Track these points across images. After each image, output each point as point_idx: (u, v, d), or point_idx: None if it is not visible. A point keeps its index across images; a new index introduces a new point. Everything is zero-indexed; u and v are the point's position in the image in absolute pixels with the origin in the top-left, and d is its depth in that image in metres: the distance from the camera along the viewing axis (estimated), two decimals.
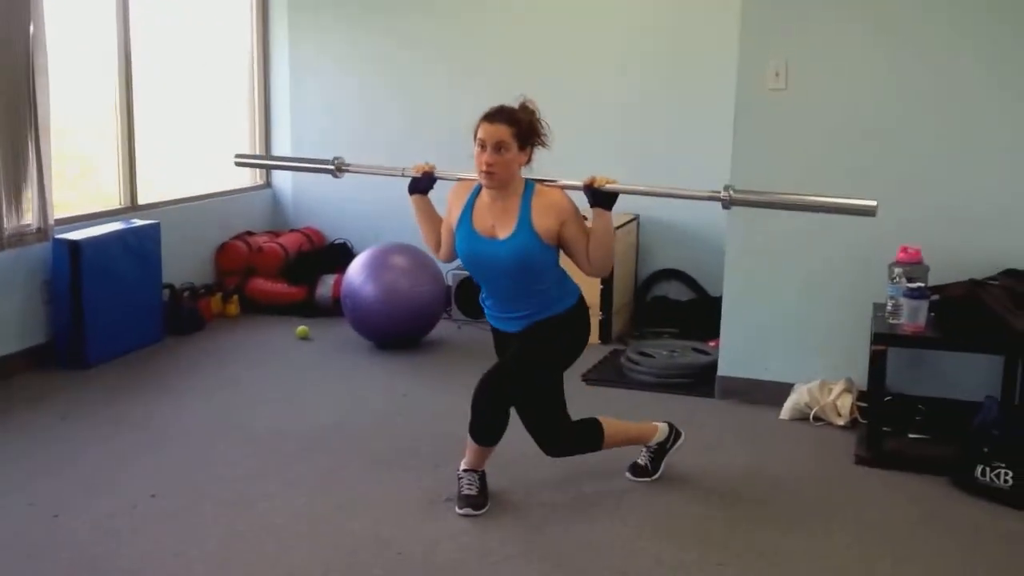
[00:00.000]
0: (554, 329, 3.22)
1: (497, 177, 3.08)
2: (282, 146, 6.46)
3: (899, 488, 3.54)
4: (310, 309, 5.83)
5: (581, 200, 3.14)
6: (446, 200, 3.30)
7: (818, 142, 4.19)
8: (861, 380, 4.01)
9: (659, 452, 3.60)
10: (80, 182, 5.36)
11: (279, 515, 3.24)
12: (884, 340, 3.71)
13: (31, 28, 4.44)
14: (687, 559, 2.98)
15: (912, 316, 3.72)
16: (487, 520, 3.23)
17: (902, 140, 4.09)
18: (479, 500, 3.30)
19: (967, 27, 3.96)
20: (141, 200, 5.47)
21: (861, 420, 3.99)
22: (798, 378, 4.28)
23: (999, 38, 3.92)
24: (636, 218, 5.73)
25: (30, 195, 4.57)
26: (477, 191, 3.20)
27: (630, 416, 4.23)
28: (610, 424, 3.47)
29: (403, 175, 3.38)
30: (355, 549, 3.01)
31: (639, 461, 3.58)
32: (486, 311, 3.35)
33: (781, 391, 4.27)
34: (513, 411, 3.29)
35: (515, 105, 3.14)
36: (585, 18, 5.77)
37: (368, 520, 3.22)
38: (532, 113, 3.17)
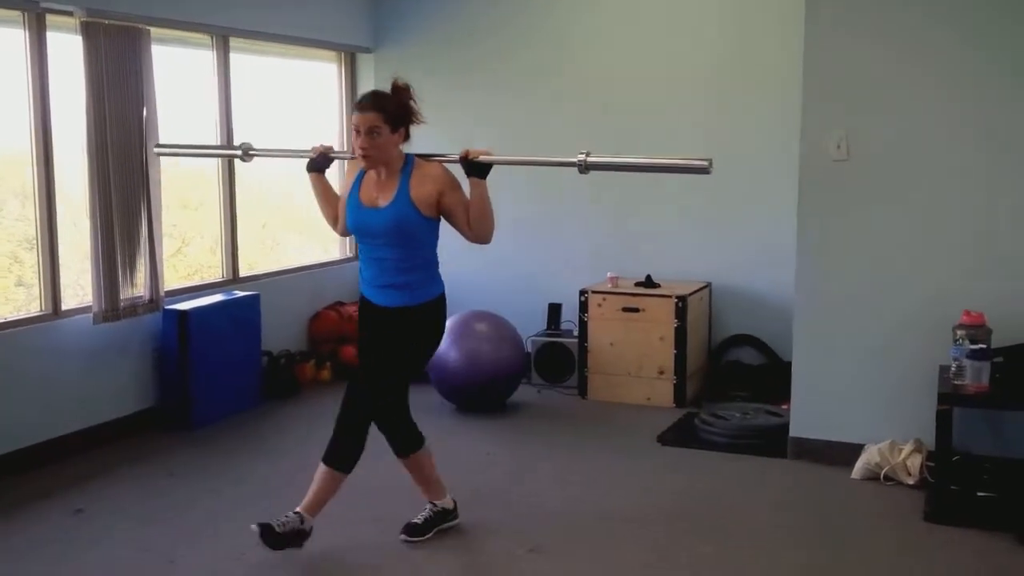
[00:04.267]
0: (420, 326, 3.49)
1: (372, 159, 3.36)
2: None
3: (966, 544, 3.62)
4: None
5: None
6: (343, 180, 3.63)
7: (881, 208, 4.35)
8: (930, 440, 4.07)
9: (438, 517, 3.73)
10: (175, 258, 5.74)
11: (370, 563, 3.50)
12: (948, 400, 3.82)
13: (144, 112, 4.90)
14: None
15: (975, 376, 3.83)
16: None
17: (964, 206, 4.22)
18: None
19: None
20: (242, 273, 5.89)
21: (930, 479, 4.06)
22: (869, 439, 4.36)
23: None
24: (709, 285, 5.91)
25: (143, 269, 4.99)
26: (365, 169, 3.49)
27: (704, 475, 4.39)
28: (428, 454, 3.69)
29: (303, 156, 3.72)
30: None
31: (416, 520, 3.70)
32: (361, 281, 3.57)
33: (852, 451, 4.37)
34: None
35: (389, 88, 3.46)
36: (660, 66, 5.99)
37: (454, 565, 3.45)
38: (404, 93, 3.46)
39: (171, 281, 5.35)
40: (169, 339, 5.10)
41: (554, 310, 6.11)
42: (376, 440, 3.64)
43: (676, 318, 5.49)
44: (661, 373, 5.55)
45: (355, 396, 3.52)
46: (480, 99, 6.45)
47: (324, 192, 3.68)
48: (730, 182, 5.83)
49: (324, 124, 6.73)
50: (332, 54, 6.65)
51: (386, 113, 3.34)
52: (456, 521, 3.79)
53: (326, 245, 6.81)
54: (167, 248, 5.24)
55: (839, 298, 4.46)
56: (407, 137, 3.47)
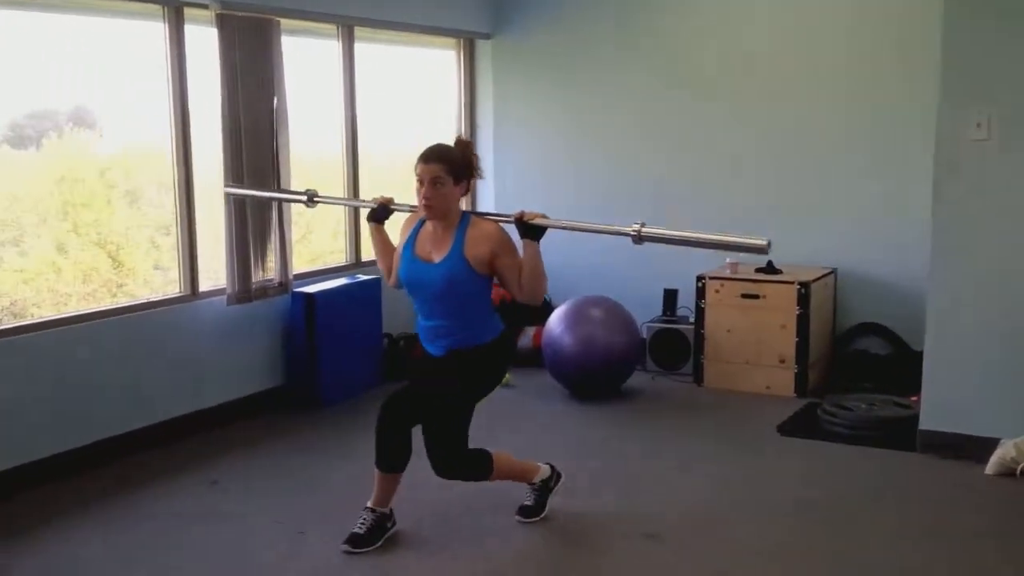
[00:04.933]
0: (472, 366, 3.45)
1: (435, 209, 3.36)
2: (486, 199, 6.89)
3: None
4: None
5: None
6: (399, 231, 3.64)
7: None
8: None
9: (543, 491, 3.74)
10: (299, 244, 5.89)
11: (484, 537, 3.58)
12: None
13: (275, 102, 5.07)
14: None
15: None
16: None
17: None
18: (361, 539, 3.49)
19: None
20: (364, 258, 6.04)
21: None
22: (1004, 432, 4.19)
23: None
24: (834, 271, 5.75)
25: (273, 253, 5.18)
26: (422, 222, 3.49)
27: (828, 467, 4.30)
28: (500, 458, 3.60)
29: (364, 206, 3.75)
30: (555, 571, 3.28)
31: (527, 503, 3.74)
32: (419, 332, 3.57)
33: (986, 446, 4.20)
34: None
35: (452, 143, 3.45)
36: (776, 68, 5.89)
37: (570, 547, 3.47)
38: (466, 148, 3.48)
39: (298, 266, 5.52)
40: (297, 320, 5.28)
41: (670, 295, 6.06)
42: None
43: (798, 305, 5.37)
44: (782, 362, 5.44)
45: (393, 404, 3.57)
46: (600, 84, 6.43)
47: (382, 243, 3.71)
48: (858, 162, 5.69)
49: (443, 111, 6.83)
50: (451, 41, 6.73)
51: (450, 165, 3.36)
52: (562, 480, 3.85)
53: None
54: (293, 234, 5.41)
55: (974, 284, 4.28)
56: (468, 191, 3.52)
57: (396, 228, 3.70)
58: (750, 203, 5.98)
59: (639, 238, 3.20)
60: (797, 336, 5.38)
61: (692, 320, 5.78)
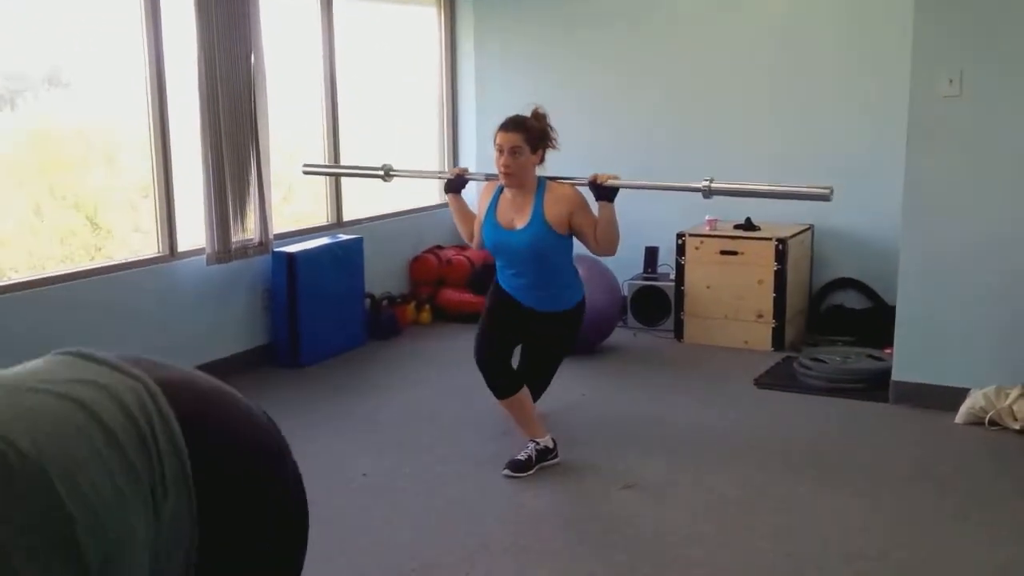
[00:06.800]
0: (563, 327, 3.79)
1: (514, 177, 3.59)
2: (468, 158, 6.88)
3: None
4: None
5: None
6: (478, 198, 3.89)
7: (994, 147, 4.19)
8: None
9: (542, 455, 3.82)
10: (281, 206, 5.91)
11: (471, 492, 3.63)
12: None
13: (252, 59, 5.02)
14: (851, 549, 3.13)
15: None
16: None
17: None
18: (520, 464, 3.73)
19: None
20: (345, 217, 6.05)
21: None
22: (974, 383, 4.26)
23: None
24: (811, 227, 5.80)
25: (252, 212, 5.18)
26: (500, 190, 3.72)
27: (802, 418, 4.37)
28: (526, 395, 3.82)
29: (440, 177, 3.90)
30: (536, 522, 3.34)
31: (521, 457, 3.79)
32: (503, 281, 3.78)
33: (956, 396, 4.28)
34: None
35: (528, 114, 3.65)
36: (753, 26, 5.89)
37: (553, 500, 3.55)
38: (542, 119, 3.66)
39: (279, 226, 5.51)
40: (278, 280, 5.29)
41: (651, 253, 6.10)
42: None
43: (776, 261, 5.42)
44: (759, 317, 5.50)
45: (485, 348, 3.82)
46: (583, 42, 6.40)
47: (460, 210, 3.99)
48: (835, 119, 5.70)
49: (424, 70, 6.79)
50: None
51: (528, 134, 3.58)
52: (556, 460, 3.89)
53: (425, 191, 6.92)
54: (274, 196, 5.40)
55: (947, 239, 4.33)
56: (543, 160, 3.68)
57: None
58: (731, 159, 6.00)
59: (709, 192, 3.46)
60: (775, 292, 5.44)
61: (672, 277, 5.83)
